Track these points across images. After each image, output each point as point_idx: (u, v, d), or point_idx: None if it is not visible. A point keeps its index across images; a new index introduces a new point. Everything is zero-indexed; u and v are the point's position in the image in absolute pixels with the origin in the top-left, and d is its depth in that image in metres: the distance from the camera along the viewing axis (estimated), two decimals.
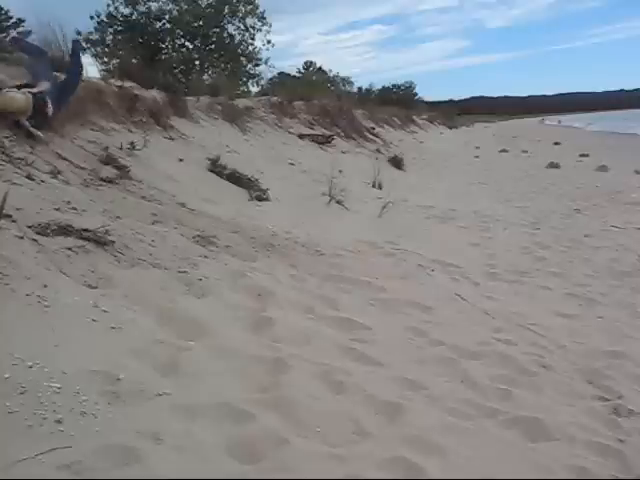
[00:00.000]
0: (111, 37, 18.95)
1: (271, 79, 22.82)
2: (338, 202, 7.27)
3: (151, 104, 7.23)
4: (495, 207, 9.15)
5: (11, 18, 16.43)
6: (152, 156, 5.90)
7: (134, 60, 13.06)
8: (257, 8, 19.62)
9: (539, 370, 3.23)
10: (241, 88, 17.59)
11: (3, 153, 3.96)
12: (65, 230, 3.18)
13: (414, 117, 31.84)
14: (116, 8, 18.72)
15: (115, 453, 1.85)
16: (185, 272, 3.47)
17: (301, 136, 11.57)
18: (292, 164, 9.13)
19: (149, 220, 4.16)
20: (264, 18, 19.73)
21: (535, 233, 7.24)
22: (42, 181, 3.87)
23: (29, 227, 3.04)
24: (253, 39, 19.78)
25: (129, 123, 6.52)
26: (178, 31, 18.69)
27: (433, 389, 2.80)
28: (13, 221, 2.95)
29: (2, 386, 1.96)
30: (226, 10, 19.25)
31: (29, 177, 3.79)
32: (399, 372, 2.92)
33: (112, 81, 7.10)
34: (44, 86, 4.68)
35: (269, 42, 19.92)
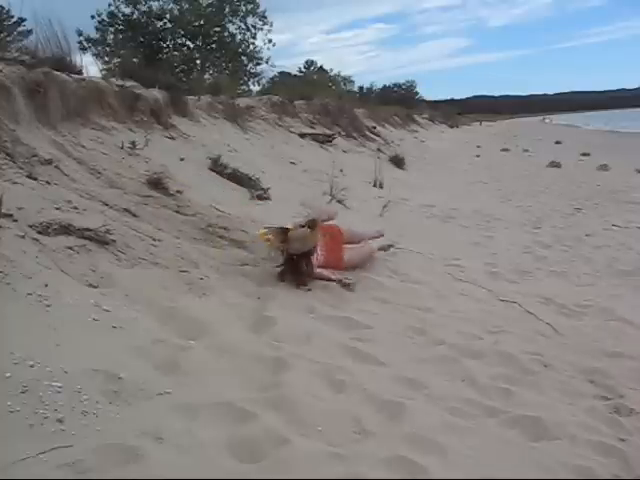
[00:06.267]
0: (112, 36, 19.01)
1: (272, 78, 22.89)
2: (339, 201, 7.27)
3: (152, 103, 7.22)
4: (496, 206, 9.13)
5: (12, 17, 16.46)
6: (153, 155, 5.89)
7: (135, 59, 13.10)
8: (258, 7, 19.66)
9: (540, 369, 3.22)
10: (242, 87, 17.63)
11: (4, 152, 3.96)
12: (66, 229, 3.19)
13: (415, 116, 31.80)
14: (117, 7, 18.77)
15: (116, 452, 1.85)
16: (186, 271, 3.47)
17: (302, 135, 11.55)
18: (293, 163, 9.11)
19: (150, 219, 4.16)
20: (265, 17, 19.81)
21: (536, 232, 7.23)
22: (46, 182, 3.87)
23: (30, 226, 3.04)
24: (254, 38, 19.86)
25: (130, 122, 6.51)
26: (179, 30, 18.74)
27: (434, 388, 2.80)
28: (14, 220, 2.95)
29: (3, 385, 1.96)
30: (227, 9, 19.31)
31: (30, 176, 3.79)
32: (400, 371, 2.92)
33: (113, 80, 7.09)
34: None
35: (270, 41, 20.01)
